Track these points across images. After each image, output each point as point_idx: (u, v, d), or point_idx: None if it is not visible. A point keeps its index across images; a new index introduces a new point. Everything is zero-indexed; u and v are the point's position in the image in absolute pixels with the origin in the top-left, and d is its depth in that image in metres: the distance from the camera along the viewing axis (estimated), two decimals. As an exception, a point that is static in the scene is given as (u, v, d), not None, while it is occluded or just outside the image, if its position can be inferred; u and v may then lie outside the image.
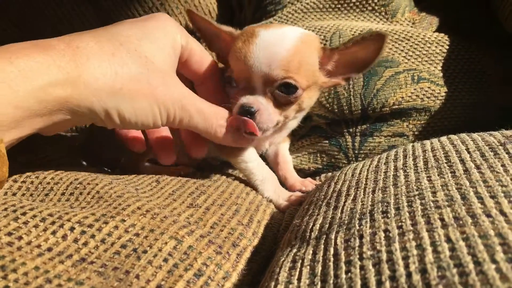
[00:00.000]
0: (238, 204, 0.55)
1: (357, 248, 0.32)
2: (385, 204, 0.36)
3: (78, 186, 0.48)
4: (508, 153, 0.37)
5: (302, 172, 0.85)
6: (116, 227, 0.40)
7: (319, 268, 0.33)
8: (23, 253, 0.34)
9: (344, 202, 0.42)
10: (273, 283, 0.34)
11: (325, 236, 0.37)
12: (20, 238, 0.36)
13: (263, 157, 0.76)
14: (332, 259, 0.33)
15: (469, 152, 0.40)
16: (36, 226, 0.38)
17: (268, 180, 0.68)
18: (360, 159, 0.79)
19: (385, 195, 0.38)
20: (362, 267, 0.29)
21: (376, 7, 0.90)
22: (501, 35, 0.81)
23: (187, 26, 0.97)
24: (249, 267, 0.44)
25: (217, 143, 0.60)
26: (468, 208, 0.30)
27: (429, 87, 0.76)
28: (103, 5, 0.97)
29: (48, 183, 0.49)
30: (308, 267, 0.34)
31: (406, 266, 0.27)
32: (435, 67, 0.78)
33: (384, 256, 0.29)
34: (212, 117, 0.56)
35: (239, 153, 0.67)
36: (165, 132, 0.66)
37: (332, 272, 0.31)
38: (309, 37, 0.63)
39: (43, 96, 0.40)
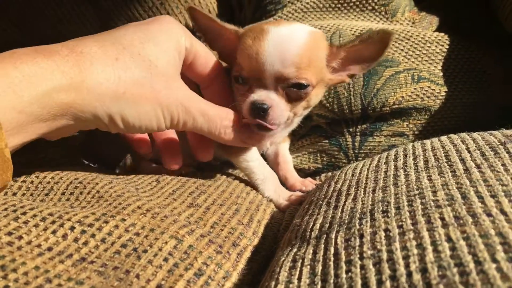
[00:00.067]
0: (238, 204, 0.55)
1: (357, 247, 0.32)
2: (386, 203, 0.36)
3: (78, 185, 0.48)
4: (508, 152, 0.37)
5: (302, 172, 0.85)
6: (117, 226, 0.40)
7: (319, 268, 0.33)
8: (23, 252, 0.34)
9: (345, 202, 0.42)
10: (273, 283, 0.34)
11: (325, 235, 0.37)
12: (20, 237, 0.36)
13: (264, 157, 0.76)
14: (332, 258, 0.33)
15: (469, 152, 0.40)
16: (36, 225, 0.38)
17: (268, 180, 0.68)
18: (360, 158, 0.79)
19: (385, 195, 0.38)
20: (362, 267, 0.29)
21: (376, 7, 0.90)
22: (501, 34, 0.81)
23: (187, 26, 0.97)
24: (250, 267, 0.44)
25: (223, 143, 0.60)
26: (468, 207, 0.30)
27: (429, 87, 0.76)
28: (103, 5, 0.97)
29: (48, 182, 0.49)
30: (309, 266, 0.34)
31: (407, 266, 0.27)
32: (435, 66, 0.78)
33: (384, 256, 0.29)
34: (217, 119, 0.55)
35: (241, 152, 0.67)
36: (172, 134, 0.65)
37: (332, 272, 0.31)
38: (318, 34, 0.63)
39: (47, 101, 0.40)
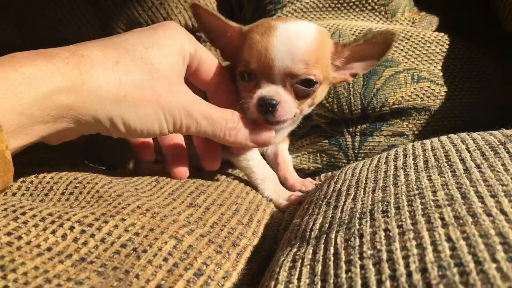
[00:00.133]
0: (238, 204, 0.55)
1: (357, 247, 0.32)
2: (385, 203, 0.36)
3: (77, 185, 0.48)
4: (508, 152, 0.37)
5: (302, 172, 0.85)
6: (116, 226, 0.40)
7: (319, 268, 0.33)
8: (22, 253, 0.34)
9: (344, 202, 0.42)
10: (273, 283, 0.34)
11: (325, 235, 0.37)
12: (19, 238, 0.36)
13: (263, 157, 0.76)
14: (332, 258, 0.33)
15: (469, 151, 0.40)
16: (35, 225, 0.38)
17: (268, 179, 0.68)
18: (360, 158, 0.79)
19: (385, 195, 0.38)
20: (362, 267, 0.29)
21: (376, 7, 0.90)
22: (501, 34, 0.81)
23: (187, 26, 0.97)
24: (249, 267, 0.44)
25: (229, 145, 0.59)
26: (468, 207, 0.30)
27: (429, 87, 0.76)
28: (103, 5, 0.97)
29: (48, 182, 0.49)
30: (308, 266, 0.34)
31: (407, 266, 0.27)
32: (435, 66, 0.78)
33: (384, 256, 0.29)
34: (221, 121, 0.55)
35: (242, 152, 0.67)
36: (179, 139, 0.64)
37: (332, 272, 0.31)
38: (324, 32, 0.63)
39: (47, 103, 0.40)
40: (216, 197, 0.54)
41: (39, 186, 0.49)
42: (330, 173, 0.81)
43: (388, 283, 0.27)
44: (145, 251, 0.38)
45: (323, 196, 0.47)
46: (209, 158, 0.63)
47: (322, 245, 0.35)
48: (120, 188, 0.49)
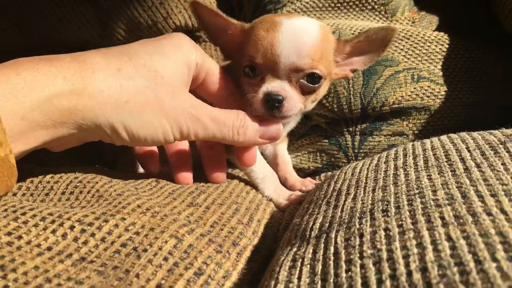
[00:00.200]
0: (238, 203, 0.55)
1: (357, 247, 0.32)
2: (385, 203, 0.36)
3: (78, 184, 0.48)
4: (508, 151, 0.37)
5: (301, 171, 0.85)
6: (116, 225, 0.40)
7: (319, 267, 0.33)
8: (22, 252, 0.34)
9: (344, 201, 0.42)
10: (273, 282, 0.34)
11: (325, 235, 0.37)
12: (19, 237, 0.36)
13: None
14: (332, 258, 0.33)
15: (469, 151, 0.40)
16: (36, 225, 0.38)
17: (268, 179, 0.68)
18: (360, 158, 0.79)
19: (385, 194, 0.38)
20: (362, 266, 0.29)
21: (376, 6, 0.90)
22: (501, 34, 0.81)
23: (187, 25, 0.97)
24: (249, 266, 0.44)
25: (239, 145, 0.59)
26: (468, 206, 0.30)
27: (429, 86, 0.76)
28: (103, 5, 0.97)
29: (48, 182, 0.49)
30: (308, 266, 0.34)
31: (407, 265, 0.27)
32: (435, 66, 0.78)
33: (384, 255, 0.29)
34: (228, 122, 0.54)
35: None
36: (184, 146, 0.63)
37: (332, 271, 0.31)
38: (327, 28, 0.64)
39: (48, 107, 0.40)
40: (216, 197, 0.54)
41: (39, 185, 0.49)
42: (330, 173, 0.81)
43: (388, 283, 0.27)
44: (145, 250, 0.38)
45: (323, 196, 0.47)
46: (216, 170, 0.62)
47: (322, 245, 0.35)
48: (120, 187, 0.49)
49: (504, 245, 0.25)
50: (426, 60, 0.78)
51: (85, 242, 0.38)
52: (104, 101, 0.44)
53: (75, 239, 0.38)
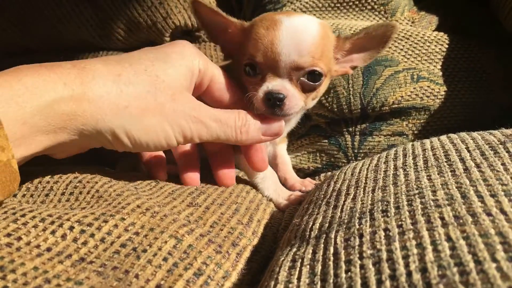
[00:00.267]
0: (238, 203, 0.55)
1: (357, 247, 0.32)
2: (385, 203, 0.36)
3: (77, 185, 0.48)
4: (508, 151, 0.37)
5: (301, 172, 0.85)
6: (116, 225, 0.40)
7: (319, 268, 0.33)
8: (22, 253, 0.34)
9: (344, 201, 0.42)
10: (272, 283, 0.34)
11: (325, 235, 0.37)
12: (19, 238, 0.36)
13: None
14: (332, 258, 0.33)
15: (469, 151, 0.40)
16: (35, 226, 0.38)
17: (268, 178, 0.68)
18: (360, 158, 0.79)
19: (385, 194, 0.38)
20: (362, 266, 0.29)
21: (376, 6, 0.90)
22: (501, 34, 0.81)
23: (187, 25, 0.97)
24: (249, 267, 0.44)
25: (242, 144, 0.59)
26: (468, 207, 0.30)
27: (428, 86, 0.76)
28: (102, 5, 0.97)
29: (48, 182, 0.49)
30: (308, 266, 0.34)
31: (406, 265, 0.27)
32: (434, 66, 0.78)
33: (384, 255, 0.29)
34: (230, 121, 0.54)
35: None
36: (191, 146, 0.63)
37: (332, 271, 0.31)
38: (327, 25, 0.64)
39: (48, 112, 0.41)
40: (216, 197, 0.54)
41: (39, 186, 0.49)
42: (329, 173, 0.81)
43: (388, 283, 0.27)
44: (144, 250, 0.38)
45: (322, 196, 0.47)
46: (226, 173, 0.62)
47: (322, 245, 0.35)
48: (120, 187, 0.49)
49: (504, 245, 0.25)
50: (426, 60, 0.78)
51: (85, 243, 0.38)
52: (104, 106, 0.44)
53: (75, 240, 0.38)
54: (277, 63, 0.57)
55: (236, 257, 0.44)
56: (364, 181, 0.44)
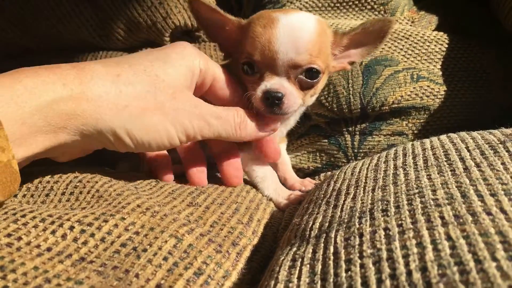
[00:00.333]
0: (238, 203, 0.55)
1: (357, 246, 0.32)
2: (385, 202, 0.36)
3: (77, 184, 0.48)
4: (508, 151, 0.37)
5: (301, 171, 0.85)
6: (116, 225, 0.40)
7: (319, 267, 0.33)
8: (22, 253, 0.34)
9: (344, 201, 0.42)
10: (273, 282, 0.34)
11: (325, 234, 0.37)
12: (19, 238, 0.36)
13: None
14: (332, 257, 0.33)
15: (468, 151, 0.40)
16: (35, 226, 0.38)
17: (268, 178, 0.68)
18: (360, 158, 0.79)
19: (385, 194, 0.38)
20: (362, 266, 0.29)
21: (375, 6, 0.90)
22: (501, 34, 0.81)
23: (186, 25, 0.96)
24: (249, 266, 0.44)
25: (241, 140, 0.59)
26: (468, 206, 0.30)
27: (428, 86, 0.76)
28: (102, 5, 0.97)
29: (48, 182, 0.49)
30: (308, 265, 0.34)
31: (407, 264, 0.27)
32: (434, 65, 0.78)
33: (384, 255, 0.29)
34: (230, 118, 0.55)
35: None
36: (195, 144, 0.63)
37: (332, 271, 0.31)
38: (324, 22, 0.64)
39: (47, 112, 0.41)
40: (216, 196, 0.54)
41: (39, 186, 0.49)
42: (329, 173, 0.81)
43: (388, 282, 0.27)
44: (145, 250, 0.38)
45: (322, 195, 0.47)
46: (234, 174, 0.62)
47: (322, 244, 0.35)
48: (120, 186, 0.49)
49: (504, 244, 0.25)
50: (425, 59, 0.78)
51: (85, 243, 0.38)
52: (103, 105, 0.45)
53: (75, 240, 0.38)
54: (275, 61, 0.57)
55: (236, 256, 0.44)
56: (364, 181, 0.44)
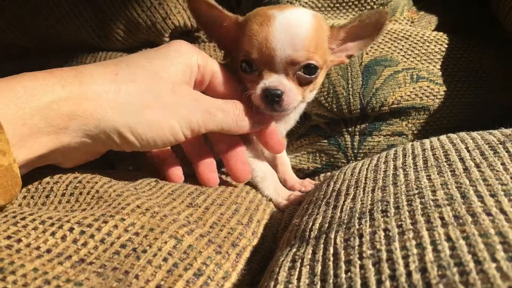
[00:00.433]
0: (238, 203, 0.55)
1: (356, 247, 0.32)
2: (385, 203, 0.36)
3: (77, 185, 0.48)
4: (507, 151, 0.37)
5: (301, 172, 0.85)
6: (116, 226, 0.40)
7: (318, 268, 0.33)
8: (22, 255, 0.34)
9: (344, 201, 0.42)
10: (272, 283, 0.34)
11: (324, 235, 0.37)
12: (19, 241, 0.36)
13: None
14: (331, 258, 0.33)
15: (468, 151, 0.40)
16: (35, 228, 0.38)
17: (268, 178, 0.68)
18: (359, 158, 0.79)
19: (384, 194, 0.38)
20: (362, 267, 0.29)
21: (375, 6, 0.90)
22: (501, 34, 0.81)
23: (186, 26, 0.96)
24: (249, 267, 0.44)
25: (241, 133, 0.59)
26: (468, 206, 0.30)
27: (428, 86, 0.76)
28: (102, 5, 0.97)
29: (48, 182, 0.49)
30: (308, 266, 0.34)
31: (406, 265, 0.27)
32: (434, 66, 0.77)
33: (384, 255, 0.29)
34: (230, 111, 0.56)
35: None
36: (200, 140, 0.63)
37: (331, 272, 0.31)
38: (320, 17, 0.64)
39: (47, 113, 0.42)
40: (215, 197, 0.54)
41: (39, 187, 0.49)
42: (329, 173, 0.81)
43: (387, 283, 0.27)
44: (144, 251, 0.38)
45: (322, 196, 0.47)
46: (242, 170, 0.62)
47: (322, 245, 0.35)
48: (119, 187, 0.49)
49: (503, 245, 0.25)
50: (425, 60, 0.78)
51: (85, 244, 0.38)
52: (104, 104, 0.45)
53: (75, 241, 0.38)
54: (273, 58, 0.57)
55: (236, 257, 0.44)
56: (363, 181, 0.44)
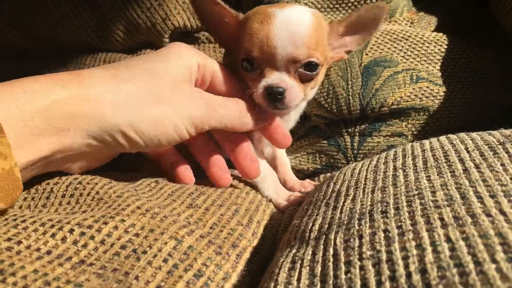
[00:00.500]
0: (238, 204, 0.55)
1: (356, 248, 0.32)
2: (385, 204, 0.36)
3: (77, 186, 0.48)
4: (507, 152, 0.37)
5: (301, 173, 0.85)
6: (116, 227, 0.40)
7: (318, 269, 0.33)
8: (22, 257, 0.34)
9: (344, 202, 0.42)
10: (272, 284, 0.34)
11: (324, 236, 0.37)
12: (19, 242, 0.36)
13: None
14: (331, 259, 0.33)
15: (468, 152, 0.40)
16: (35, 230, 0.38)
17: (268, 179, 0.68)
18: (359, 159, 0.79)
19: (384, 195, 0.38)
20: (361, 267, 0.29)
21: (375, 7, 0.90)
22: (501, 34, 0.81)
23: (186, 26, 0.96)
24: (249, 268, 0.44)
25: (244, 130, 0.60)
26: (467, 207, 0.30)
27: (427, 87, 0.76)
28: (101, 6, 0.97)
29: (48, 183, 0.49)
30: (308, 267, 0.34)
31: (406, 266, 0.27)
32: (433, 66, 0.78)
33: (383, 256, 0.29)
34: (232, 107, 0.56)
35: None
36: (205, 138, 0.63)
37: (331, 273, 0.31)
38: (319, 14, 0.65)
39: (48, 114, 0.42)
40: (215, 198, 0.54)
41: (39, 188, 0.49)
42: (329, 174, 0.81)
43: (387, 284, 0.27)
44: (144, 252, 0.38)
45: (322, 197, 0.47)
46: (250, 167, 0.62)
47: (322, 246, 0.35)
48: (119, 188, 0.49)
49: (503, 246, 0.25)
50: (425, 60, 0.78)
51: (85, 245, 0.38)
52: (104, 104, 0.45)
53: (75, 242, 0.38)
54: (274, 56, 0.57)
55: (236, 258, 0.44)
56: (363, 182, 0.44)
